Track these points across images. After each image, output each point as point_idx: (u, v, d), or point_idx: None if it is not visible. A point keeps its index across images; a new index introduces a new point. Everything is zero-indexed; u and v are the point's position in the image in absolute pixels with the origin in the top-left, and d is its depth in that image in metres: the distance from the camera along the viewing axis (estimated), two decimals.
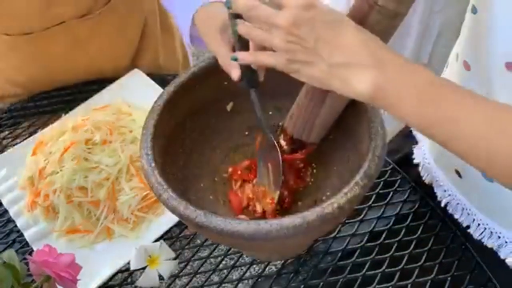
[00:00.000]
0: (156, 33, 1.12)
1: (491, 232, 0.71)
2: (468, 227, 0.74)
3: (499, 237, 0.70)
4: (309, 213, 0.51)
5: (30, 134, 0.96)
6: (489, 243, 0.72)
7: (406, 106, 0.45)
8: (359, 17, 0.50)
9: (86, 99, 0.98)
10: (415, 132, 0.86)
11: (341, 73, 0.46)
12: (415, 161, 0.83)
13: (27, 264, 0.64)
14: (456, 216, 0.76)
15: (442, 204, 0.78)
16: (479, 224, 0.72)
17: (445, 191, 0.77)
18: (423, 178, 0.81)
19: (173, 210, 0.55)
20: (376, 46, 0.46)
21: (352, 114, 0.63)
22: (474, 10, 0.57)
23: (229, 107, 0.74)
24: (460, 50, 0.66)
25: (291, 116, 0.66)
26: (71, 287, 0.60)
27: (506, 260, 0.70)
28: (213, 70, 0.67)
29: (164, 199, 0.55)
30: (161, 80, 0.99)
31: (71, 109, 0.97)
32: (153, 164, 0.58)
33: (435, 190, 0.79)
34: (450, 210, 0.77)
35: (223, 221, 0.52)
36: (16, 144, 0.94)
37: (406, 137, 0.88)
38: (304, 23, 0.45)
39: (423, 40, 1.08)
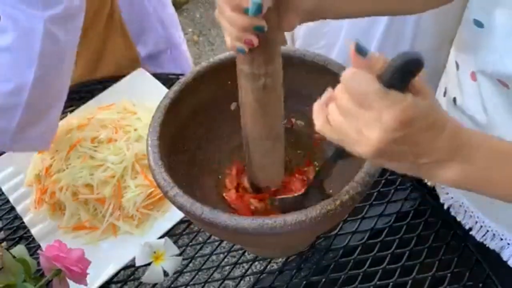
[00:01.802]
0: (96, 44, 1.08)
1: (494, 234, 0.71)
2: (470, 229, 0.75)
3: (502, 239, 0.70)
4: (312, 209, 0.53)
5: None
6: (492, 244, 0.72)
7: (498, 189, 0.46)
8: None
9: (91, 98, 0.99)
10: None
11: (427, 168, 0.44)
12: None
13: (35, 259, 0.65)
14: (458, 219, 0.77)
15: (445, 207, 0.78)
16: (481, 226, 0.73)
17: (447, 193, 0.78)
18: (425, 180, 0.82)
19: (180, 207, 0.56)
20: (457, 139, 0.43)
21: None
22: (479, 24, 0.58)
23: (232, 106, 0.75)
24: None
25: None
26: (81, 281, 0.62)
27: (508, 262, 0.71)
28: (217, 69, 0.68)
29: (171, 196, 0.56)
30: (165, 79, 1.00)
31: (76, 107, 0.98)
32: (159, 162, 0.59)
33: (438, 193, 0.80)
34: (453, 212, 0.78)
35: (229, 217, 0.53)
36: None
37: None
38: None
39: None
